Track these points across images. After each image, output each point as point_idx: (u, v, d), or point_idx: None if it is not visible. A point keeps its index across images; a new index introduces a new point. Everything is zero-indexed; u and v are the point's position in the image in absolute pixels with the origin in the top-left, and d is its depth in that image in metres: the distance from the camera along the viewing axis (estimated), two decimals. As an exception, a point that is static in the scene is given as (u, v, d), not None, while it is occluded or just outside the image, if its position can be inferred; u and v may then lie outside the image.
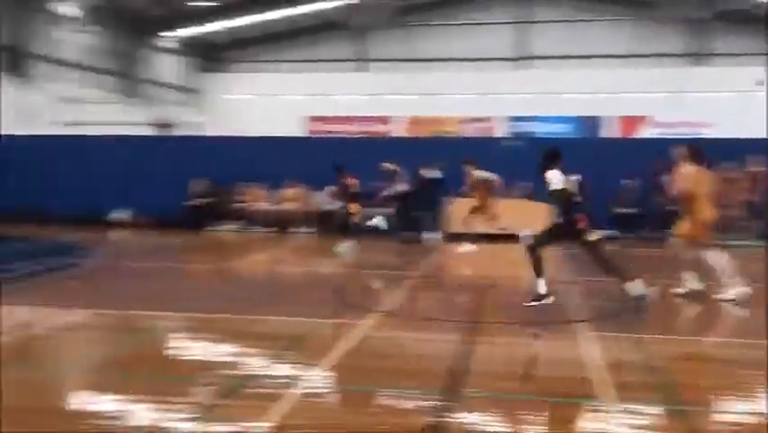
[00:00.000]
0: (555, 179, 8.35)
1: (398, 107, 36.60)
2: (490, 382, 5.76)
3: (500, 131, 33.14)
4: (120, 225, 18.53)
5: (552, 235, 8.58)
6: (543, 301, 8.41)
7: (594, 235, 8.49)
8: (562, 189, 8.35)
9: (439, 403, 5.17)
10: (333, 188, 15.96)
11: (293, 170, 17.71)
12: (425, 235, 15.88)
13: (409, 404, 5.27)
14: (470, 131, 34.12)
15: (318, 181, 17.53)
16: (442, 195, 16.25)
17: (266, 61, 41.56)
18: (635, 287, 8.39)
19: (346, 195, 14.41)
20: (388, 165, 15.46)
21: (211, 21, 37.91)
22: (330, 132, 35.80)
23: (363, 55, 40.74)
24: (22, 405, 5.11)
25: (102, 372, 6.09)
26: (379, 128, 35.43)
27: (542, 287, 8.47)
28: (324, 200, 17.59)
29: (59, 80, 30.59)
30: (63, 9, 30.67)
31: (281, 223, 17.71)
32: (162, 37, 38.43)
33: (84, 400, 5.39)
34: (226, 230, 17.79)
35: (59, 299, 9.01)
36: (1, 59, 27.54)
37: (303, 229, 17.50)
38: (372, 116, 36.37)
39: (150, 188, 18.24)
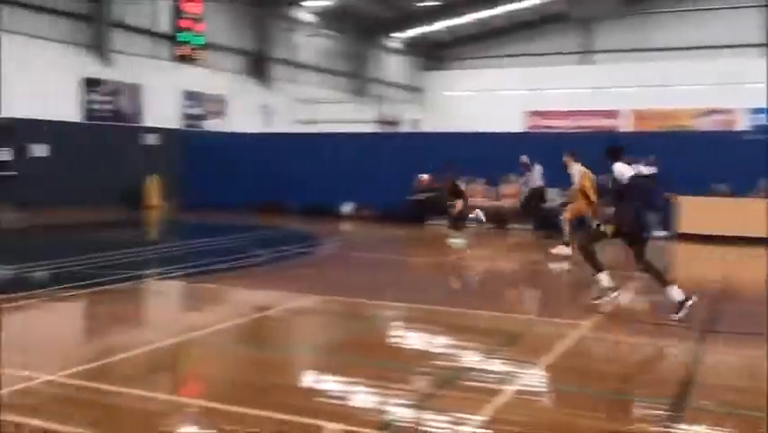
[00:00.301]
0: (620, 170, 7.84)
1: (624, 100, 34.99)
2: (720, 394, 5.39)
3: (742, 124, 30.44)
4: (348, 217, 19.66)
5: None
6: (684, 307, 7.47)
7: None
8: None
9: (662, 413, 4.94)
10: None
11: (512, 166, 17.64)
12: (655, 234, 15.05)
13: (627, 410, 5.09)
14: (705, 124, 31.74)
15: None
16: (660, 192, 15.33)
17: (486, 57, 41.66)
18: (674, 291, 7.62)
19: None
20: (524, 158, 15.81)
21: (435, 20, 38.75)
22: (549, 127, 35.12)
23: (587, 47, 39.43)
24: (258, 381, 5.65)
25: (329, 354, 6.54)
26: (603, 122, 34.09)
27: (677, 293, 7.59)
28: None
29: (297, 82, 33.00)
30: (301, 15, 33.02)
31: (500, 218, 17.72)
32: (390, 38, 39.99)
33: (313, 379, 5.83)
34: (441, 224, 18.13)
35: (292, 285, 9.78)
36: (247, 64, 30.26)
37: (520, 225, 17.37)
38: (595, 110, 35.10)
39: (375, 182, 19.16)
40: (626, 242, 7.92)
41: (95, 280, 9.65)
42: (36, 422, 4.57)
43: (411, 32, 40.31)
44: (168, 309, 8.81)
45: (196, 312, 8.63)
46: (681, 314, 7.49)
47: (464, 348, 6.79)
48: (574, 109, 35.88)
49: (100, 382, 5.46)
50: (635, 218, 7.78)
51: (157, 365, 6.23)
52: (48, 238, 14.70)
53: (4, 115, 19.17)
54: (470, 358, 6.40)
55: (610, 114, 34.74)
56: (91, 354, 6.46)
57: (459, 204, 14.91)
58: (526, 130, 34.88)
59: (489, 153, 17.98)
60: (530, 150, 17.36)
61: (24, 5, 20.59)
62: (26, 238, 14.29)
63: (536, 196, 15.92)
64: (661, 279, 7.82)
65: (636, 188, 7.83)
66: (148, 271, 11.16)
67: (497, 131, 22.48)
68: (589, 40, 39.42)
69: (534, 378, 5.74)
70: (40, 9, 21.21)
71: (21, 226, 16.46)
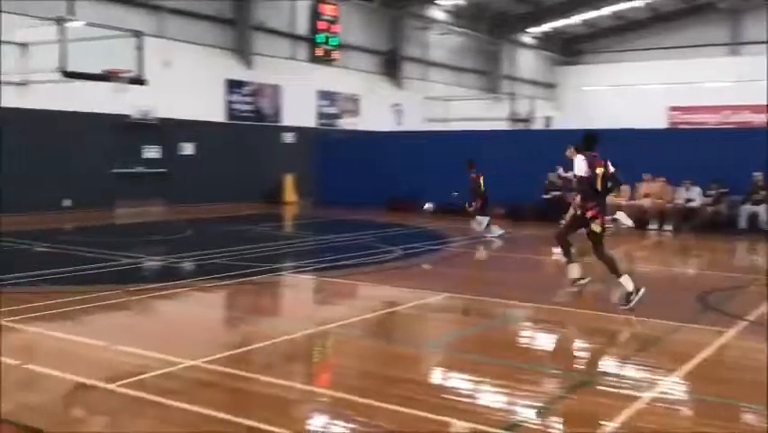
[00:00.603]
0: (578, 164, 8.24)
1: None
2: None
3: None
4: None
5: (569, 224, 8.60)
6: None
7: (597, 226, 8.22)
8: (581, 177, 8.20)
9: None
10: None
11: (652, 164, 16.89)
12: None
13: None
14: None
15: (680, 176, 16.50)
16: None
17: (623, 51, 40.10)
18: (626, 282, 8.00)
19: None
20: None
21: (571, 14, 37.73)
22: (692, 122, 33.32)
23: (736, 38, 37.09)
24: (387, 375, 5.73)
25: (456, 351, 6.53)
26: (752, 118, 31.96)
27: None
28: (688, 196, 16.49)
29: (428, 80, 33.17)
30: (434, 13, 33.13)
31: (639, 219, 16.99)
32: (524, 33, 39.35)
33: (441, 376, 5.85)
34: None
35: (421, 282, 9.84)
36: (380, 63, 30.71)
37: (658, 227, 16.59)
38: (743, 105, 32.95)
39: (506, 180, 18.90)
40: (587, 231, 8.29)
41: (235, 273, 10.13)
42: (178, 404, 4.87)
43: (546, 27, 39.45)
44: (302, 302, 9.11)
45: (329, 306, 8.88)
46: (630, 304, 7.78)
47: (597, 352, 6.59)
48: (720, 104, 33.85)
49: (238, 368, 5.73)
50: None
51: (291, 355, 6.47)
52: (193, 232, 15.59)
53: (156, 115, 20.50)
54: (604, 362, 6.20)
55: (758, 108, 32.49)
56: (231, 342, 6.80)
57: (477, 203, 15.12)
58: (668, 126, 33.28)
59: (628, 151, 17.28)
60: (672, 147, 16.57)
61: (174, 11, 21.91)
62: (173, 231, 15.22)
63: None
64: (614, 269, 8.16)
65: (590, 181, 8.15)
66: (284, 265, 11.59)
67: (636, 127, 21.58)
68: (737, 30, 37.05)
69: (671, 385, 5.47)
70: (188, 14, 22.50)
71: (168, 220, 17.54)
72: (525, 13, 36.84)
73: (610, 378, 5.68)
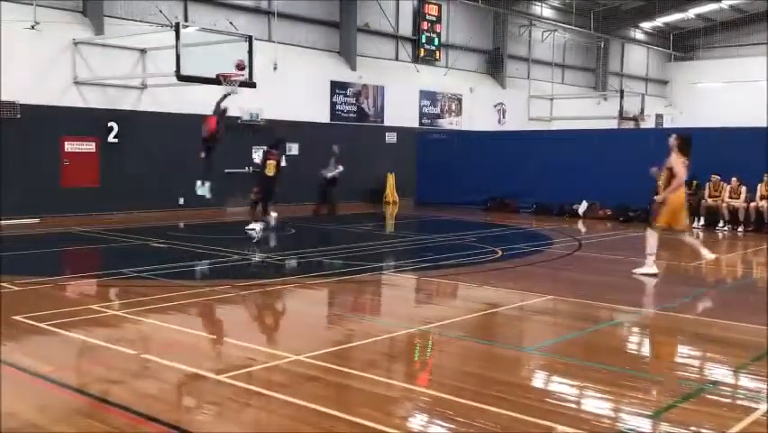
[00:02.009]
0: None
1: None
2: None
3: None
4: (582, 216, 19.07)
5: None
6: None
7: None
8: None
9: None
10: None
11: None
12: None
13: None
14: None
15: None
16: None
17: (740, 45, 38.07)
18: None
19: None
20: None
21: (686, 8, 36.22)
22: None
23: None
24: (488, 377, 5.68)
25: (559, 354, 6.39)
26: None
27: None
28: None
29: (532, 78, 32.64)
30: (539, 11, 32.57)
31: (760, 222, 16.13)
32: (634, 29, 38.07)
33: (543, 379, 5.74)
34: (695, 227, 16.92)
35: (523, 283, 9.70)
36: (483, 62, 30.48)
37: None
38: None
39: (614, 181, 18.36)
40: None
41: (338, 270, 10.31)
42: (282, 397, 5.01)
43: (657, 21, 38.00)
44: (403, 301, 9.17)
45: (429, 305, 8.89)
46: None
47: (711, 360, 6.30)
48: None
49: (341, 365, 5.83)
50: None
51: (392, 354, 6.52)
52: (297, 230, 15.96)
53: (263, 117, 21.12)
54: (718, 371, 5.92)
55: None
56: (333, 339, 6.93)
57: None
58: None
59: (744, 150, 16.46)
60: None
61: (282, 15, 22.51)
62: (278, 230, 15.63)
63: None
64: None
65: None
66: (385, 264, 11.69)
67: (752, 125, 20.48)
68: None
69: (791, 399, 5.16)
70: (295, 18, 23.07)
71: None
72: (635, 8, 35.64)
73: (724, 387, 5.42)
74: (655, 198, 10.39)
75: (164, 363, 5.78)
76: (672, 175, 9.95)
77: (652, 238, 10.39)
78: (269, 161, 13.99)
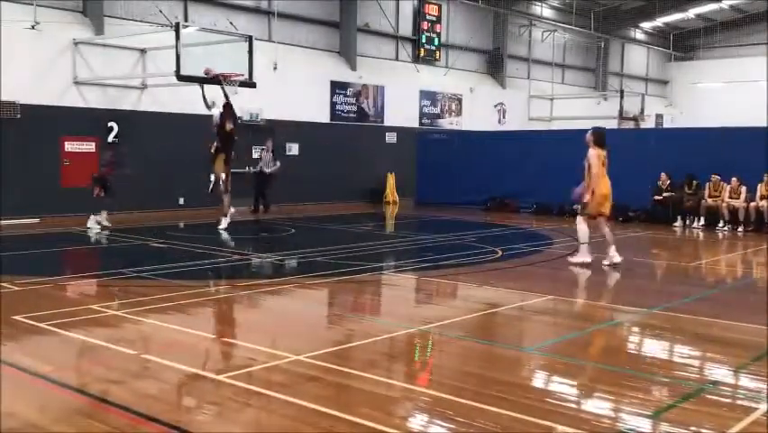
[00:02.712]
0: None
1: None
2: None
3: None
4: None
5: None
6: None
7: None
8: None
9: None
10: None
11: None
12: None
13: None
14: None
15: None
16: None
17: (740, 46, 38.07)
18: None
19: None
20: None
21: (686, 8, 36.23)
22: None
23: None
24: (487, 377, 5.68)
25: (559, 355, 6.39)
26: None
27: None
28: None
29: (532, 78, 32.64)
30: (539, 11, 32.57)
31: (760, 222, 16.13)
32: (634, 29, 38.07)
33: (543, 379, 5.74)
34: (695, 227, 16.92)
35: (522, 283, 9.70)
36: (483, 63, 30.48)
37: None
38: None
39: (614, 181, 18.32)
40: None
41: (337, 270, 10.32)
42: (282, 397, 5.01)
43: (657, 21, 37.99)
44: (402, 301, 9.17)
45: (429, 305, 8.89)
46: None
47: (711, 360, 6.30)
48: None
49: (341, 365, 5.83)
50: None
51: (392, 354, 6.52)
52: (296, 230, 15.96)
53: (264, 117, 21.12)
54: (718, 371, 5.92)
55: None
56: (333, 339, 6.93)
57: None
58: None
59: (744, 150, 16.46)
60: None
61: (282, 15, 22.51)
62: (278, 230, 15.65)
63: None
64: None
65: None
66: (385, 264, 11.69)
67: (754, 126, 20.47)
68: None
69: (791, 399, 5.16)
70: (295, 18, 23.07)
71: (273, 219, 18.04)
72: (635, 8, 35.64)
73: (724, 387, 5.42)
74: (584, 197, 11.01)
75: (164, 363, 5.78)
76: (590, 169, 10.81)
77: (583, 226, 11.12)
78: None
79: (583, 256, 11.06)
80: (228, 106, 14.59)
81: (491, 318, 7.98)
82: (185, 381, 5.52)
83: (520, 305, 8.42)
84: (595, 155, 10.78)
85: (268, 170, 18.59)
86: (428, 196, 22.59)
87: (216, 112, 14.58)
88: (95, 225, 14.94)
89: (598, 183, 10.78)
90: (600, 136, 11.05)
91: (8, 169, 16.27)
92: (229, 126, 14.49)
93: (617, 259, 10.97)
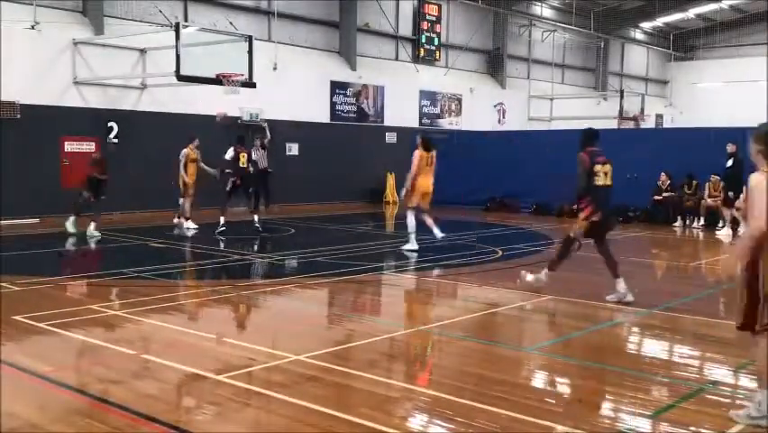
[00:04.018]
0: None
1: None
2: None
3: None
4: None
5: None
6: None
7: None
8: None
9: None
10: None
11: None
12: None
13: None
14: None
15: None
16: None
17: (740, 45, 38.07)
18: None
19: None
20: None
21: (686, 8, 36.23)
22: (820, 120, 31.16)
23: None
24: (487, 377, 5.68)
25: (559, 354, 6.39)
26: None
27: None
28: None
29: (532, 78, 32.64)
30: (539, 11, 32.57)
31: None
32: (634, 29, 38.07)
33: (543, 379, 5.74)
34: (695, 227, 16.92)
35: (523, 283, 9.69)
36: (483, 62, 30.48)
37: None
38: None
39: (615, 181, 18.33)
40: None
41: (338, 271, 10.31)
42: (282, 397, 5.01)
43: (657, 21, 37.99)
44: (403, 301, 9.17)
45: (430, 305, 8.89)
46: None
47: (711, 360, 6.30)
48: None
49: (341, 365, 5.83)
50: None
51: (392, 354, 6.52)
52: (297, 230, 15.96)
53: (264, 117, 21.11)
54: (718, 371, 5.93)
55: None
56: (333, 339, 6.93)
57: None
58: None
59: (742, 151, 16.43)
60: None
61: (282, 15, 22.51)
62: (278, 230, 15.64)
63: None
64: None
65: None
66: (385, 264, 11.68)
67: (754, 126, 20.46)
68: None
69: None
70: (295, 18, 23.07)
71: (273, 219, 18.03)
72: (635, 8, 35.63)
73: (724, 387, 5.43)
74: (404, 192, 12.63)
75: (164, 363, 5.78)
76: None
77: (410, 218, 12.43)
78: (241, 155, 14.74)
79: (411, 245, 12.29)
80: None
81: (491, 318, 7.97)
82: (185, 381, 5.52)
83: (520, 305, 8.41)
84: (417, 156, 12.29)
85: (261, 167, 18.24)
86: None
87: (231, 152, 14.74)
88: (71, 228, 14.18)
89: (418, 180, 12.24)
90: (425, 141, 12.60)
91: (8, 169, 16.26)
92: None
93: (440, 235, 12.60)
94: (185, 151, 15.29)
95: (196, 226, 15.06)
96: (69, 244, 13.53)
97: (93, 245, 13.32)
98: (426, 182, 12.45)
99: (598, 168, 8.30)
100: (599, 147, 8.50)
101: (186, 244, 13.22)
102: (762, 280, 4.48)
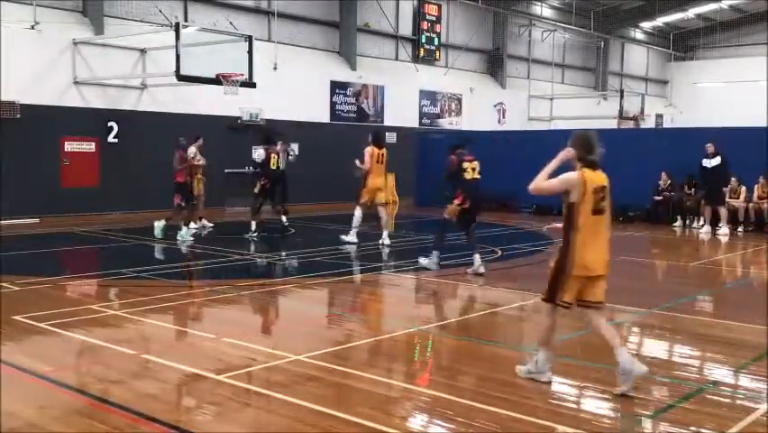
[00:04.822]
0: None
1: None
2: None
3: None
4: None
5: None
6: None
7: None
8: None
9: None
10: None
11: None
12: None
13: None
14: None
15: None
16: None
17: (740, 45, 38.06)
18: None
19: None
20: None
21: (686, 8, 36.22)
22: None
23: None
24: (487, 377, 5.68)
25: (560, 355, 6.38)
26: None
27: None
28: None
29: (532, 78, 32.64)
30: (539, 11, 32.57)
31: (760, 222, 16.11)
32: (634, 29, 38.06)
33: (534, 378, 5.73)
34: (695, 227, 16.91)
35: (523, 283, 9.70)
36: (483, 62, 30.48)
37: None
38: None
39: (614, 181, 18.33)
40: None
41: (337, 271, 10.31)
42: (282, 397, 5.01)
43: (657, 21, 37.98)
44: (402, 301, 9.17)
45: (429, 305, 8.89)
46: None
47: (711, 360, 6.30)
48: None
49: (340, 364, 5.83)
50: None
51: (392, 354, 6.52)
52: (296, 230, 15.94)
53: (263, 117, 21.12)
54: (718, 371, 5.92)
55: None
56: (333, 339, 6.93)
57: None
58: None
59: (743, 150, 16.43)
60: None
61: (282, 15, 22.51)
62: (278, 230, 15.62)
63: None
64: None
65: None
66: (384, 264, 11.68)
67: (751, 125, 20.47)
68: None
69: (791, 399, 5.16)
70: (295, 18, 23.07)
71: (273, 219, 18.03)
72: (635, 8, 35.62)
73: (724, 387, 5.42)
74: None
75: (164, 363, 5.78)
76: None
77: (357, 213, 13.01)
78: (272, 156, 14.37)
79: (352, 237, 12.88)
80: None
81: (491, 318, 7.97)
82: (185, 381, 5.52)
83: (520, 305, 8.41)
84: (368, 152, 12.65)
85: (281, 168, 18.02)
86: (428, 196, 22.54)
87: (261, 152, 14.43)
88: (187, 234, 13.52)
89: (371, 176, 12.65)
90: (375, 135, 13.17)
91: (8, 169, 16.26)
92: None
93: (387, 241, 12.89)
94: (192, 149, 15.14)
95: (197, 227, 15.05)
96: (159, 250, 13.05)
97: (184, 247, 12.93)
98: (377, 180, 12.86)
99: (466, 165, 10.36)
100: (468, 150, 10.70)
101: (186, 243, 13.21)
102: (569, 261, 5.19)
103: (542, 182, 5.40)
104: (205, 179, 15.48)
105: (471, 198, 10.38)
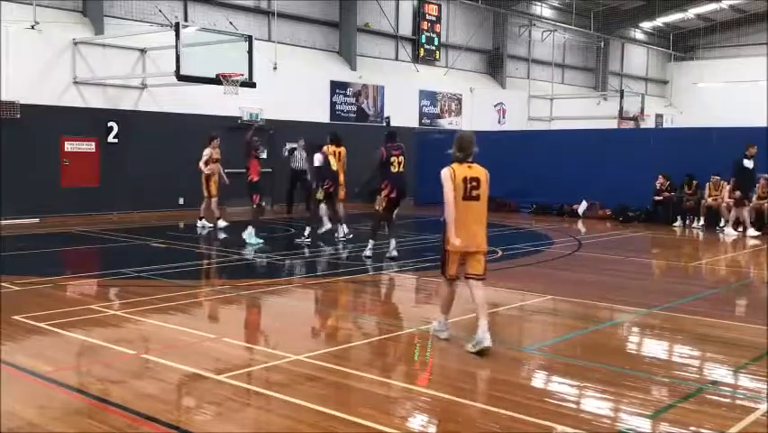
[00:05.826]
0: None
1: None
2: None
3: None
4: (582, 217, 19.08)
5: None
6: None
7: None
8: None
9: None
10: None
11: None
12: None
13: None
14: None
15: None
16: None
17: (740, 45, 38.07)
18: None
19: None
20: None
21: (686, 8, 36.22)
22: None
23: None
24: (487, 377, 5.68)
25: (559, 354, 6.39)
26: None
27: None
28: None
29: (532, 78, 32.64)
30: (539, 11, 32.57)
31: (759, 222, 16.10)
32: (634, 29, 38.06)
33: (543, 379, 5.74)
34: (695, 227, 16.92)
35: (523, 283, 9.71)
36: (483, 62, 30.47)
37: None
38: None
39: (613, 181, 18.36)
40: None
41: (337, 271, 10.31)
42: (282, 396, 5.01)
43: (657, 21, 37.99)
44: (403, 301, 9.17)
45: (430, 305, 8.87)
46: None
47: (711, 360, 6.30)
48: None
49: (341, 365, 5.83)
50: None
51: (392, 354, 6.52)
52: (295, 230, 15.93)
53: (263, 117, 21.11)
54: (718, 371, 5.92)
55: None
56: (333, 339, 6.93)
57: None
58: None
59: (742, 151, 16.44)
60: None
61: (282, 15, 22.50)
62: (277, 229, 15.64)
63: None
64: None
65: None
66: (385, 264, 11.68)
67: (754, 126, 20.46)
68: None
69: (791, 399, 5.16)
70: (295, 18, 23.06)
71: (273, 218, 18.04)
72: (635, 8, 35.63)
73: (724, 387, 5.42)
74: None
75: (164, 363, 5.78)
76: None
77: (321, 208, 13.87)
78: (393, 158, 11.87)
79: (309, 234, 13.49)
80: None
81: (491, 318, 7.94)
82: (185, 381, 5.52)
83: (520, 305, 8.41)
84: (329, 152, 13.45)
85: (300, 167, 17.98)
86: (428, 196, 22.53)
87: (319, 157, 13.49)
88: (252, 238, 13.11)
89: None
90: (333, 135, 14.06)
91: (8, 169, 16.26)
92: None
93: (342, 233, 13.78)
94: (207, 150, 15.16)
95: (212, 225, 15.03)
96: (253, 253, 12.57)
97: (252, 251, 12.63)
98: (339, 176, 13.85)
99: (393, 159, 10.91)
100: (398, 143, 11.25)
101: (186, 243, 13.20)
102: (445, 239, 6.23)
103: (446, 200, 6.41)
104: (225, 178, 15.41)
105: (397, 188, 11.12)
